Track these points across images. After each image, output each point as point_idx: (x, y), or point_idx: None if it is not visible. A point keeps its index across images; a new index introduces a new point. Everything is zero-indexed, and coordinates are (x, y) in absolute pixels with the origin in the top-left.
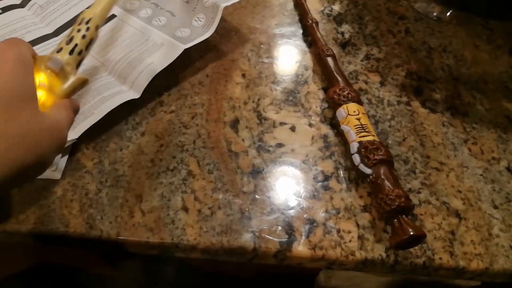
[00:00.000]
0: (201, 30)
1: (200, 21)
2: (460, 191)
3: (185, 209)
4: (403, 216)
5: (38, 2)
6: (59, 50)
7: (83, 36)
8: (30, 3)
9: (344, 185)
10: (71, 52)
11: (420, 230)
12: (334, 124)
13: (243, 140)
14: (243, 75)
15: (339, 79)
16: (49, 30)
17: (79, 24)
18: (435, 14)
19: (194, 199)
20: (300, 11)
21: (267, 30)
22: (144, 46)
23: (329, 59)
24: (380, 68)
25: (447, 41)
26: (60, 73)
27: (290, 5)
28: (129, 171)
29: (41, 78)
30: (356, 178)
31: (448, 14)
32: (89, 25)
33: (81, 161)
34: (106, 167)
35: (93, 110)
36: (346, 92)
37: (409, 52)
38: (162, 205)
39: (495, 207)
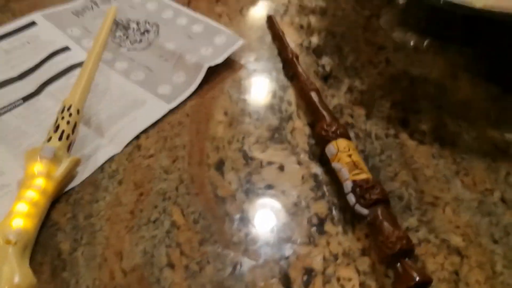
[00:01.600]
0: (182, 87)
1: (181, 77)
2: (458, 227)
3: (171, 265)
4: (406, 259)
5: (2, 47)
6: (49, 139)
7: (68, 122)
8: None
9: (340, 228)
10: (60, 138)
11: (426, 276)
12: (323, 161)
13: (229, 183)
14: (225, 113)
15: (325, 114)
16: (14, 74)
17: (62, 112)
18: (412, 43)
19: (180, 253)
20: (279, 45)
21: (247, 65)
22: (124, 101)
23: (313, 94)
24: (364, 101)
25: (427, 70)
26: (54, 159)
27: (269, 38)
28: (107, 225)
29: (38, 167)
30: (351, 219)
31: (425, 43)
32: (71, 111)
33: (52, 217)
34: (81, 222)
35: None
36: (334, 127)
37: (392, 83)
38: (145, 262)
39: (495, 241)
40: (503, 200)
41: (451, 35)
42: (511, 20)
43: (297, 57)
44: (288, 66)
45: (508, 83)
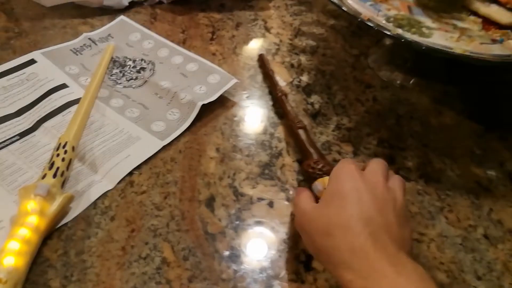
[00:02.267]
0: (176, 124)
1: (175, 115)
2: (442, 263)
3: None
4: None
5: (1, 84)
6: (44, 177)
7: (63, 159)
8: None
9: None
10: (54, 176)
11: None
12: None
13: (219, 219)
14: (217, 149)
15: (312, 151)
16: (11, 110)
17: (57, 149)
18: (398, 82)
19: None
20: (269, 83)
21: (239, 103)
22: (119, 137)
23: (301, 132)
24: (352, 138)
25: (413, 107)
26: (48, 196)
27: (260, 76)
28: (98, 261)
29: (31, 205)
30: None
31: (411, 81)
32: (66, 148)
33: (44, 253)
34: (72, 258)
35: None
36: (321, 165)
37: (379, 120)
38: None
39: (479, 278)
40: (486, 236)
41: (435, 74)
42: (488, 65)
43: (286, 96)
44: (278, 104)
45: (489, 121)
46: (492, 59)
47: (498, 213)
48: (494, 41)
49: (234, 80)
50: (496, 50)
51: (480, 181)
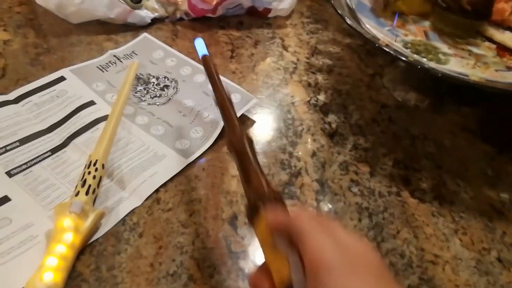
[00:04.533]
0: (200, 142)
1: (198, 133)
2: (457, 286)
3: None
4: None
5: (33, 101)
6: (77, 194)
7: (94, 177)
8: (24, 101)
9: None
10: (86, 193)
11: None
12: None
13: (242, 238)
14: None
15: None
16: (43, 126)
17: (88, 167)
18: (413, 102)
19: None
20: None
21: (258, 121)
22: (145, 155)
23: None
24: (368, 158)
25: (427, 129)
26: (81, 213)
27: (279, 95)
28: (128, 277)
29: (67, 222)
30: None
31: (425, 102)
32: (96, 165)
33: (77, 268)
34: (104, 273)
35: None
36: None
37: (394, 141)
38: None
39: None
40: (499, 259)
41: (450, 95)
42: (504, 93)
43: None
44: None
45: (502, 144)
46: (507, 88)
47: (511, 236)
48: (509, 68)
49: (255, 100)
50: (511, 77)
51: (493, 204)
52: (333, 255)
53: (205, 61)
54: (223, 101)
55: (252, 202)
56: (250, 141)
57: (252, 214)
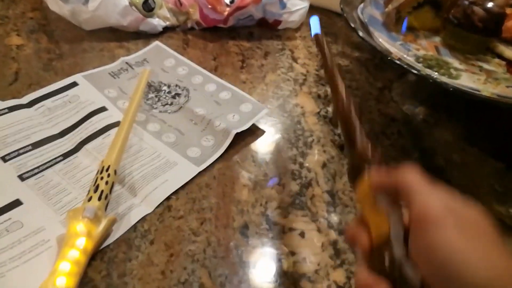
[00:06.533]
0: (211, 150)
1: (210, 141)
2: None
3: None
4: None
5: (46, 105)
6: (90, 199)
7: (106, 182)
8: (37, 105)
9: None
10: (99, 198)
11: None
12: (341, 230)
13: (253, 247)
14: (249, 177)
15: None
16: (55, 131)
17: (101, 172)
18: (421, 116)
19: None
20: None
21: (268, 131)
22: (157, 162)
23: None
24: None
25: (436, 143)
26: (94, 218)
27: (289, 105)
28: (139, 284)
29: (80, 226)
30: None
31: (433, 117)
32: (109, 171)
33: (88, 274)
34: (115, 280)
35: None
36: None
37: (403, 154)
38: None
39: None
40: None
41: (458, 110)
42: None
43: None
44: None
45: (511, 160)
46: None
47: None
48: None
49: (266, 110)
50: None
51: (503, 219)
52: (442, 213)
53: (317, 40)
54: (332, 76)
55: (356, 164)
56: (356, 109)
57: (356, 175)
